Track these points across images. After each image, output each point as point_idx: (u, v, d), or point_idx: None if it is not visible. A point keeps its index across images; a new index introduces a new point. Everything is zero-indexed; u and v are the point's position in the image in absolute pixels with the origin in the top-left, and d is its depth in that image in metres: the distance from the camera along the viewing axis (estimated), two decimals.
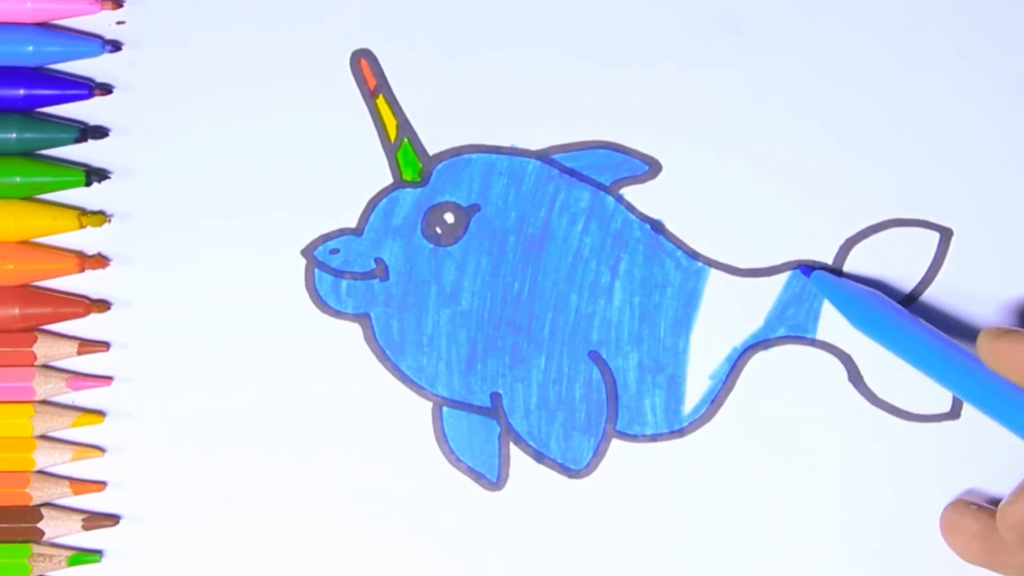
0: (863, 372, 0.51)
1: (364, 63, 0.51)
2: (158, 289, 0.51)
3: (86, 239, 0.51)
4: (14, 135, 0.50)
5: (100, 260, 0.51)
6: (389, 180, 0.51)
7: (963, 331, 0.51)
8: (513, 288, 0.51)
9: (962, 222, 0.51)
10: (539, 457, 0.51)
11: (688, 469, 0.51)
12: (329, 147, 0.51)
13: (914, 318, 0.49)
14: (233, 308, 0.51)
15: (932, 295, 0.51)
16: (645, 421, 0.51)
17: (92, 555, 0.51)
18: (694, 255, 0.51)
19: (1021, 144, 0.51)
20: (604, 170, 0.51)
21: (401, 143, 0.51)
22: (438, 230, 0.51)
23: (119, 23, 0.51)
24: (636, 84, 0.51)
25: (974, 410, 0.49)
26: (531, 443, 0.51)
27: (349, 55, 0.51)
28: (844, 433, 0.51)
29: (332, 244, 0.51)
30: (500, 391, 0.51)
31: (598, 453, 0.51)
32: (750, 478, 0.51)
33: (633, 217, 0.51)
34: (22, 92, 0.50)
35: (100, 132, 0.51)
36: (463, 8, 0.51)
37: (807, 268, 0.51)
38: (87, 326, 0.51)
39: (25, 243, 0.50)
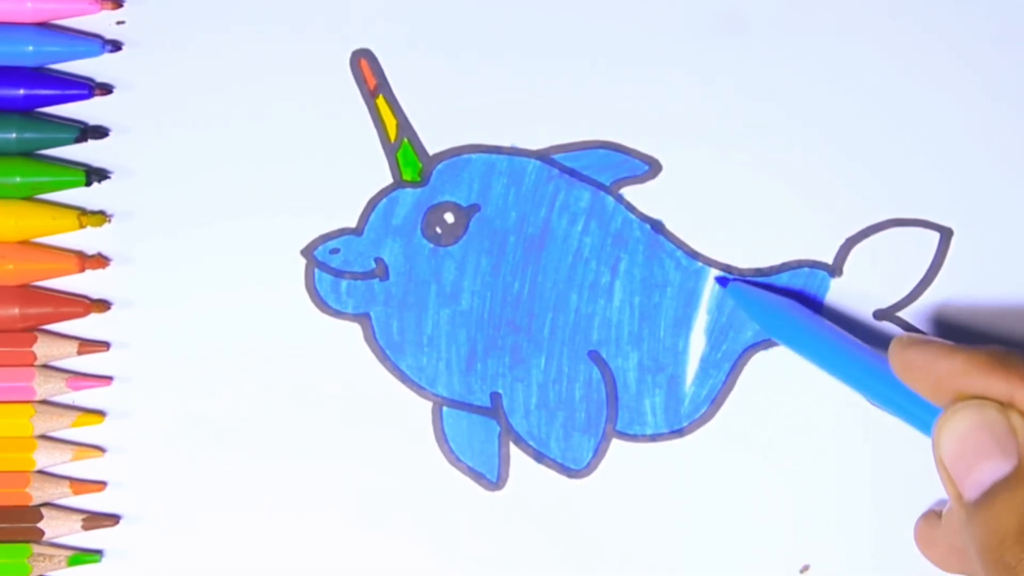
0: None
1: (364, 63, 0.51)
2: (158, 289, 0.51)
3: (86, 239, 0.51)
4: (14, 135, 0.50)
5: (100, 260, 0.51)
6: (389, 180, 0.51)
7: (962, 332, 0.51)
8: (513, 288, 0.51)
9: (962, 222, 0.51)
10: (539, 457, 0.51)
11: (688, 469, 0.51)
12: (329, 147, 0.51)
13: (829, 325, 0.49)
14: (233, 308, 0.51)
15: (932, 295, 0.51)
16: (645, 421, 0.51)
17: (92, 555, 0.51)
18: (694, 255, 0.51)
19: (1021, 144, 0.51)
20: (604, 170, 0.51)
21: (401, 143, 0.51)
22: (438, 230, 0.51)
23: (119, 23, 0.51)
24: (636, 84, 0.51)
25: None
26: (531, 443, 0.51)
27: (349, 55, 0.51)
28: (844, 433, 0.51)
29: (332, 244, 0.51)
30: (500, 391, 0.51)
31: (598, 453, 0.51)
32: (750, 478, 0.51)
33: (633, 217, 0.51)
34: (22, 92, 0.50)
35: (100, 132, 0.51)
36: (463, 8, 0.51)
37: (724, 279, 0.51)
38: (87, 326, 0.51)
39: (25, 243, 0.50)
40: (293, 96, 0.51)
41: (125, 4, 0.51)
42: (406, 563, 0.51)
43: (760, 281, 0.51)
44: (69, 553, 0.50)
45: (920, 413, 0.45)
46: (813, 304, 0.51)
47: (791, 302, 0.50)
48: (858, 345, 0.48)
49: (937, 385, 0.44)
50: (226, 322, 0.51)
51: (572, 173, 0.51)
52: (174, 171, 0.51)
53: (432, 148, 0.51)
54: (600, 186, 0.51)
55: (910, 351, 0.45)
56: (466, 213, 0.51)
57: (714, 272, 0.51)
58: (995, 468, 0.43)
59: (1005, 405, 0.43)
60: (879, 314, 0.51)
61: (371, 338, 0.51)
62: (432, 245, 0.51)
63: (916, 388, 0.45)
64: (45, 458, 0.50)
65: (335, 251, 0.51)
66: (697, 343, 0.51)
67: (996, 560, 0.41)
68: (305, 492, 0.51)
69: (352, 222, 0.51)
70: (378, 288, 0.51)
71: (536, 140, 0.51)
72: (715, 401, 0.51)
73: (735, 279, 0.51)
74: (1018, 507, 0.42)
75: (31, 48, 0.50)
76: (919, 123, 0.51)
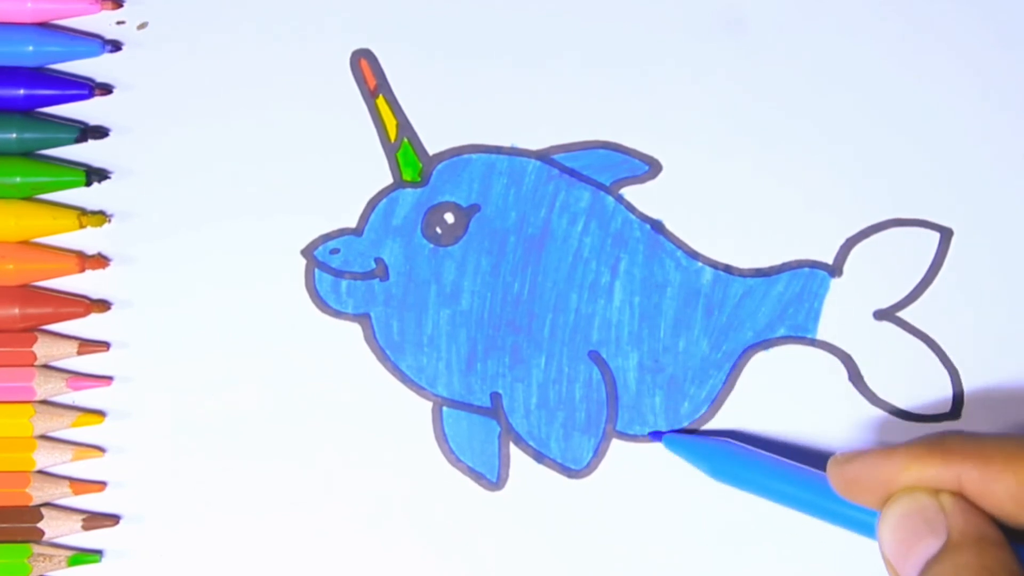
0: (863, 372, 0.51)
1: (364, 63, 0.51)
2: (158, 289, 0.51)
3: (86, 239, 0.51)
4: (14, 135, 0.50)
5: (100, 260, 0.51)
6: (389, 180, 0.51)
7: (962, 332, 0.51)
8: (513, 288, 0.51)
9: (962, 222, 0.51)
10: (539, 457, 0.51)
11: (688, 469, 0.51)
12: (329, 147, 0.51)
13: (770, 457, 0.49)
14: (233, 308, 0.51)
15: (932, 295, 0.51)
16: (645, 421, 0.51)
17: (92, 555, 0.51)
18: (694, 255, 0.51)
19: (1021, 144, 0.51)
20: (604, 170, 0.51)
21: (401, 143, 0.51)
22: (438, 230, 0.51)
23: (119, 23, 0.51)
24: (636, 84, 0.51)
25: (974, 410, 0.49)
26: (531, 443, 0.51)
27: (349, 55, 0.51)
28: (844, 433, 0.51)
29: (332, 244, 0.51)
30: (500, 391, 0.51)
31: (598, 453, 0.51)
32: None
33: (633, 217, 0.51)
34: (22, 92, 0.50)
35: (100, 132, 0.51)
36: (463, 8, 0.51)
37: (657, 433, 0.51)
38: (87, 326, 0.51)
39: (25, 243, 0.50)
40: (293, 96, 0.51)
41: (125, 4, 0.51)
42: (406, 563, 0.51)
43: (688, 434, 0.51)
44: (69, 553, 0.50)
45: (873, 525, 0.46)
46: (811, 303, 0.51)
47: (727, 442, 0.50)
48: (802, 471, 0.48)
49: (885, 492, 0.45)
50: (226, 322, 0.51)
51: (572, 173, 0.51)
52: (174, 171, 0.51)
53: (432, 148, 0.51)
54: (600, 186, 0.51)
55: (848, 468, 0.46)
56: (466, 213, 0.51)
57: (701, 268, 0.51)
58: (928, 548, 0.43)
59: (941, 492, 0.44)
60: (879, 314, 0.51)
61: (371, 338, 0.51)
62: (432, 245, 0.51)
63: (865, 502, 0.46)
64: (45, 458, 0.50)
65: (335, 251, 0.51)
66: (697, 343, 0.51)
67: None
68: (305, 492, 0.51)
69: (352, 222, 0.51)
70: (378, 288, 0.51)
71: (536, 140, 0.51)
72: (715, 401, 0.51)
73: (667, 432, 0.51)
74: (946, 574, 0.42)
75: (31, 48, 0.50)
76: (919, 123, 0.51)
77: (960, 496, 0.44)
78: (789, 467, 0.49)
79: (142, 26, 0.51)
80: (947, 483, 0.44)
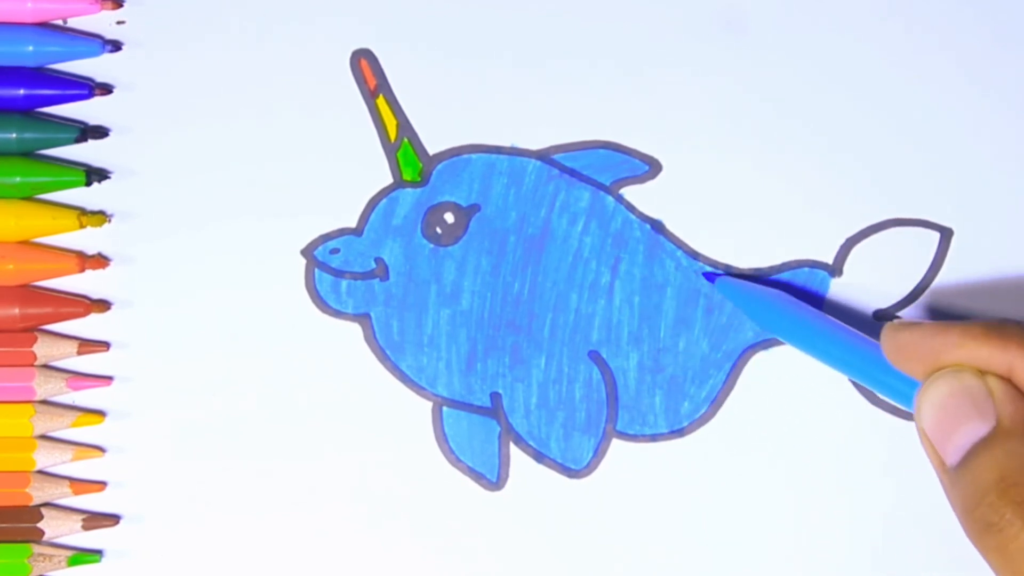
0: None
1: (364, 63, 0.51)
2: (158, 289, 0.51)
3: (86, 239, 0.51)
4: (14, 135, 0.50)
5: (100, 260, 0.51)
6: (389, 180, 0.51)
7: None
8: (513, 288, 0.51)
9: (962, 222, 0.51)
10: (539, 457, 0.51)
11: (688, 469, 0.51)
12: (329, 147, 0.51)
13: (821, 315, 0.49)
14: (233, 308, 0.51)
15: (932, 295, 0.51)
16: (645, 421, 0.51)
17: (92, 555, 0.51)
18: (694, 255, 0.51)
19: (1021, 144, 0.51)
20: (604, 170, 0.51)
21: (401, 143, 0.51)
22: (438, 230, 0.51)
23: (119, 23, 0.51)
24: (636, 84, 0.51)
25: None
26: (531, 443, 0.51)
27: (349, 55, 0.51)
28: (844, 433, 0.51)
29: (332, 244, 0.51)
30: (500, 391, 0.51)
31: (598, 453, 0.51)
32: (750, 478, 0.51)
33: (633, 217, 0.51)
34: (22, 92, 0.50)
35: (100, 132, 0.51)
36: (463, 8, 0.51)
37: (711, 274, 0.51)
38: (87, 326, 0.51)
39: (25, 243, 0.50)
40: (293, 96, 0.51)
41: (125, 4, 0.51)
42: (406, 563, 0.51)
43: (749, 275, 0.51)
44: (69, 553, 0.50)
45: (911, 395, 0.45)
46: (811, 303, 0.51)
47: (780, 293, 0.50)
48: (851, 333, 0.48)
49: (933, 363, 0.44)
50: (226, 322, 0.51)
51: (572, 173, 0.51)
52: (174, 171, 0.51)
53: (432, 148, 0.51)
54: (600, 186, 0.51)
55: (902, 334, 0.45)
56: (466, 213, 0.51)
57: (704, 269, 0.51)
58: (974, 430, 0.42)
59: (987, 374, 0.43)
60: (879, 314, 0.51)
61: (371, 338, 0.51)
62: (432, 245, 0.51)
63: (910, 371, 0.45)
64: (45, 458, 0.50)
65: (335, 251, 0.51)
66: (697, 343, 0.51)
67: (979, 520, 0.41)
68: (305, 492, 0.51)
69: (352, 222, 0.51)
70: (378, 288, 0.51)
71: (536, 140, 0.51)
72: (715, 401, 0.51)
73: (723, 274, 0.51)
74: (997, 463, 0.42)
75: (31, 48, 0.50)
76: (919, 123, 0.51)
77: (1008, 382, 0.43)
78: (840, 327, 0.48)
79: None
80: (998, 367, 0.43)
